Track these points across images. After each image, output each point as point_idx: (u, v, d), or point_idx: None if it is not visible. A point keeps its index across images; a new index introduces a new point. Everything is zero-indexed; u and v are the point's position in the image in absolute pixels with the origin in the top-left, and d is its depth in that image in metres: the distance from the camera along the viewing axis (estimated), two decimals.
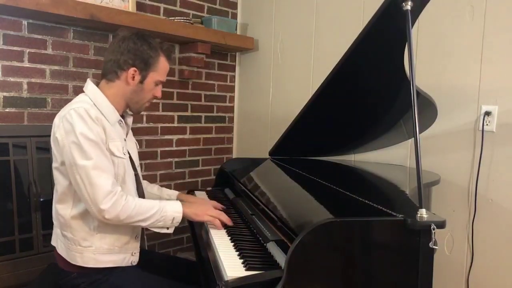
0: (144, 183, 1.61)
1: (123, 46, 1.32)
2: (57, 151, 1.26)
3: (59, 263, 1.35)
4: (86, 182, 1.19)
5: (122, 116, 1.41)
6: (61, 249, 1.33)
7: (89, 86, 1.35)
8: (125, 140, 1.39)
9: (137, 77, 1.34)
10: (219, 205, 1.50)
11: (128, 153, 1.39)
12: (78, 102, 1.28)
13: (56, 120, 1.27)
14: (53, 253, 1.39)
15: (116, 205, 1.20)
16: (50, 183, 2.02)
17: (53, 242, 1.39)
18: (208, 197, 1.76)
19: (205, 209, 1.39)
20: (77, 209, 1.28)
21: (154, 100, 1.50)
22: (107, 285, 1.28)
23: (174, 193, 1.64)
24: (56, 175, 1.30)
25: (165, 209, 1.29)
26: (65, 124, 1.22)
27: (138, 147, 1.55)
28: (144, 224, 1.27)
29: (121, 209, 1.21)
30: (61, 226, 1.32)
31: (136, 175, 1.44)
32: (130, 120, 1.46)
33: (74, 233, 1.29)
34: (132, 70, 1.32)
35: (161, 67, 1.37)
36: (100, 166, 1.21)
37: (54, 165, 1.30)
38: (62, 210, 1.30)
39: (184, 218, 1.34)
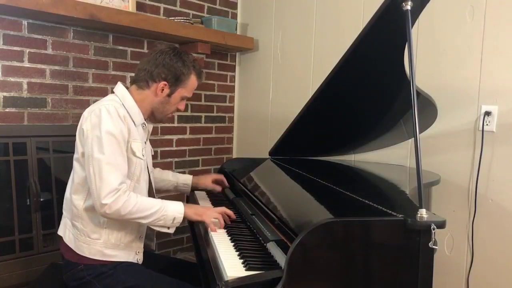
0: (158, 172, 1.70)
1: (159, 60, 1.38)
2: (80, 142, 1.31)
3: (66, 255, 1.37)
4: (97, 175, 1.24)
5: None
6: (69, 240, 1.36)
7: (119, 87, 1.41)
8: (145, 143, 1.44)
9: (166, 91, 1.40)
10: (228, 211, 1.46)
11: None
12: (109, 100, 1.34)
13: (85, 113, 1.33)
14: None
15: (117, 201, 1.24)
16: (50, 183, 2.02)
17: (60, 232, 1.42)
18: (208, 196, 1.77)
19: (206, 210, 1.40)
20: (90, 200, 1.32)
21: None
22: (112, 279, 1.31)
23: (189, 177, 1.74)
24: (75, 165, 1.35)
25: (166, 208, 1.31)
26: (93, 118, 1.28)
27: (153, 153, 1.61)
28: (144, 222, 1.30)
29: (122, 205, 1.24)
30: (73, 216, 1.35)
31: (149, 177, 1.47)
32: (150, 127, 1.52)
33: (84, 224, 1.33)
34: (162, 83, 1.38)
35: (190, 84, 1.43)
36: (113, 162, 1.26)
37: (75, 156, 1.36)
38: (76, 200, 1.34)
39: (184, 218, 1.36)
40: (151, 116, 1.47)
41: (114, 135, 1.27)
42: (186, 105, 2.63)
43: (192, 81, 1.43)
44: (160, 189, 1.70)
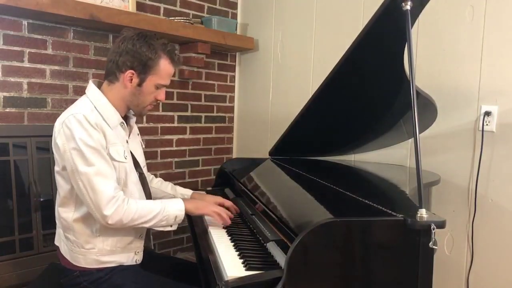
0: (158, 182, 1.63)
1: (122, 47, 1.28)
2: (59, 156, 1.26)
3: (62, 261, 1.35)
4: (89, 188, 1.20)
5: (126, 117, 1.40)
6: (64, 251, 1.34)
7: (91, 88, 1.33)
8: (127, 142, 1.37)
9: (135, 80, 1.29)
10: (227, 202, 1.50)
11: (132, 154, 1.39)
12: (79, 107, 1.27)
13: (57, 124, 1.26)
14: (54, 253, 1.39)
15: (118, 210, 1.21)
16: (50, 183, 2.02)
17: (56, 242, 1.40)
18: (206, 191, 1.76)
19: (207, 203, 1.40)
20: (79, 212, 1.28)
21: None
22: (109, 283, 1.29)
23: (188, 192, 1.62)
24: (58, 179, 1.30)
25: (167, 208, 1.29)
26: (65, 130, 1.22)
27: (144, 146, 1.54)
28: (147, 225, 1.28)
29: (124, 213, 1.21)
30: (64, 228, 1.32)
31: (141, 174, 1.43)
32: (133, 121, 1.45)
33: (76, 236, 1.29)
34: (129, 72, 1.28)
35: (162, 70, 1.31)
36: (102, 172, 1.21)
37: (56, 169, 1.30)
38: (64, 213, 1.30)
39: (185, 218, 1.35)
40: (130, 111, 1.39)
41: (91, 145, 1.20)
42: (186, 105, 2.64)
43: (164, 66, 1.30)
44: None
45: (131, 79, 1.29)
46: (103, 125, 1.26)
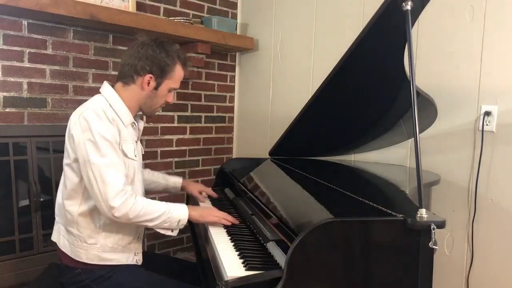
0: (149, 173, 1.68)
1: (142, 52, 1.34)
2: (71, 148, 1.28)
3: (63, 259, 1.36)
4: (99, 179, 1.22)
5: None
6: (64, 246, 1.34)
7: (105, 87, 1.37)
8: (136, 142, 1.42)
9: (152, 84, 1.36)
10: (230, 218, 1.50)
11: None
12: (96, 102, 1.31)
13: (73, 117, 1.30)
14: (54, 253, 1.39)
15: (126, 204, 1.23)
16: (50, 183, 2.02)
17: (53, 238, 1.40)
18: (208, 197, 1.77)
19: (210, 210, 1.42)
20: (85, 206, 1.30)
21: None
22: (110, 281, 1.30)
23: (179, 180, 1.73)
24: (67, 171, 1.32)
25: (171, 211, 1.31)
26: (82, 122, 1.25)
27: (143, 151, 1.58)
28: (150, 224, 1.29)
29: (131, 208, 1.23)
30: (67, 222, 1.33)
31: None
32: (141, 124, 1.49)
33: (80, 230, 1.31)
34: (148, 76, 1.34)
35: (177, 75, 1.40)
36: (113, 164, 1.24)
37: (66, 161, 1.32)
38: (70, 206, 1.31)
39: (188, 220, 1.36)
40: (140, 112, 1.44)
41: (107, 138, 1.24)
42: (186, 105, 2.64)
43: (178, 71, 1.40)
44: (150, 190, 1.67)
45: (149, 83, 1.36)
46: (118, 122, 1.31)
